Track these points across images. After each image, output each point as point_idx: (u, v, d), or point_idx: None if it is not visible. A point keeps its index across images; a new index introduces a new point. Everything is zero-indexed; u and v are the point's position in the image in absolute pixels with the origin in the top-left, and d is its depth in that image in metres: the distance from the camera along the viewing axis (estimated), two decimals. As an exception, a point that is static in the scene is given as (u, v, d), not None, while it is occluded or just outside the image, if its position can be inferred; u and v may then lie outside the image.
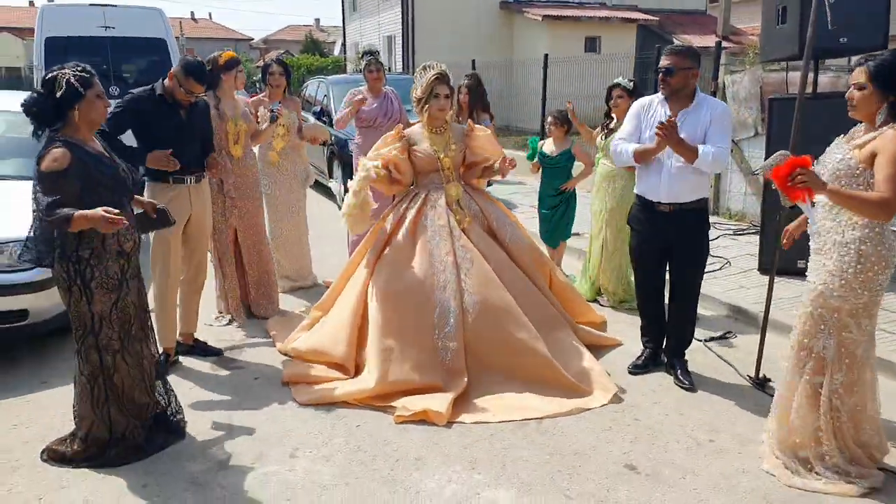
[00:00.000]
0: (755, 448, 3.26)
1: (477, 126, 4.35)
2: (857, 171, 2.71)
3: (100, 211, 2.57)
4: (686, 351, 4.07)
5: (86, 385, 3.00)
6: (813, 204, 2.78)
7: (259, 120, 4.93)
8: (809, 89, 4.97)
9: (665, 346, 4.10)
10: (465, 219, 4.08)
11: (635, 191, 3.99)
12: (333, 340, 4.02)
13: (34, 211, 2.80)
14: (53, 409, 3.46)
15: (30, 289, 3.85)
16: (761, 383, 3.95)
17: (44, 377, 3.89)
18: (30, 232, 2.86)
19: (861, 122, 2.88)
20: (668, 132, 3.42)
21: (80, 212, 2.62)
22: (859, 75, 2.75)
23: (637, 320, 4.54)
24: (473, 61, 14.40)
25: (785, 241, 3.30)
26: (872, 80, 2.71)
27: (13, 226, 3.74)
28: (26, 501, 2.80)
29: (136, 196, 3.27)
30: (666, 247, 3.90)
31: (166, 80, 3.90)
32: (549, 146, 5.42)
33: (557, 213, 5.47)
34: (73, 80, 2.79)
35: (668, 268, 4.04)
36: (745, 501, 2.88)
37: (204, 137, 4.15)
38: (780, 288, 4.11)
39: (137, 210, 3.26)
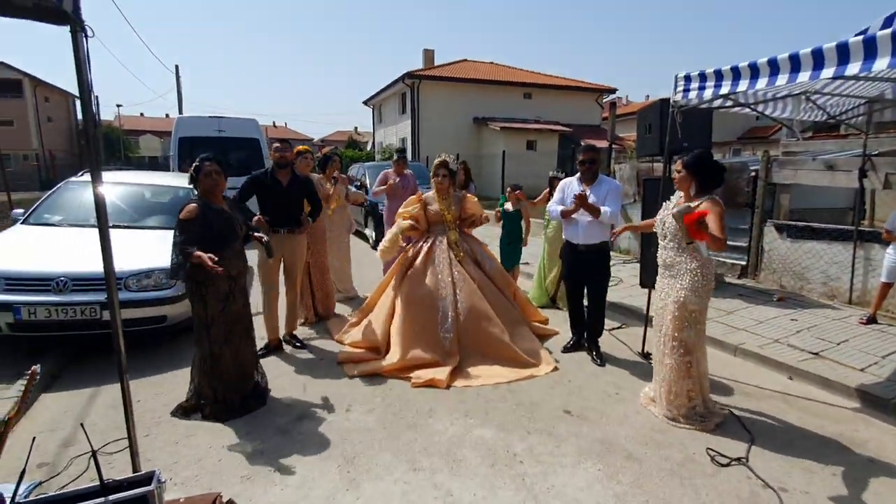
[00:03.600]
0: (640, 398, 3.26)
1: (468, 195, 4.35)
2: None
3: (207, 256, 2.63)
4: (599, 339, 4.02)
5: (199, 362, 2.97)
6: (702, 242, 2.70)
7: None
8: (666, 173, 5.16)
9: (585, 336, 4.06)
10: (460, 253, 4.06)
11: (563, 236, 3.98)
12: (374, 331, 3.95)
13: (173, 246, 2.83)
14: (182, 382, 3.34)
15: (168, 301, 3.79)
16: (645, 356, 3.99)
17: (175, 361, 3.78)
18: (172, 260, 2.87)
19: (679, 192, 3.00)
20: (581, 200, 3.50)
21: (198, 252, 2.67)
22: (679, 166, 2.92)
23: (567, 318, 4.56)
24: (458, 154, 14.48)
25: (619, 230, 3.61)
26: (686, 169, 2.87)
27: (159, 259, 3.74)
28: (166, 444, 2.72)
29: (255, 234, 3.23)
30: (583, 271, 3.90)
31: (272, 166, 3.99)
32: (508, 206, 5.32)
33: (510, 247, 5.38)
34: (193, 166, 2.98)
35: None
36: (638, 430, 2.90)
37: (301, 203, 4.02)
38: (653, 295, 4.18)
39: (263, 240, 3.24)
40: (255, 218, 3.50)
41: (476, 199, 4.37)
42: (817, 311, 4.93)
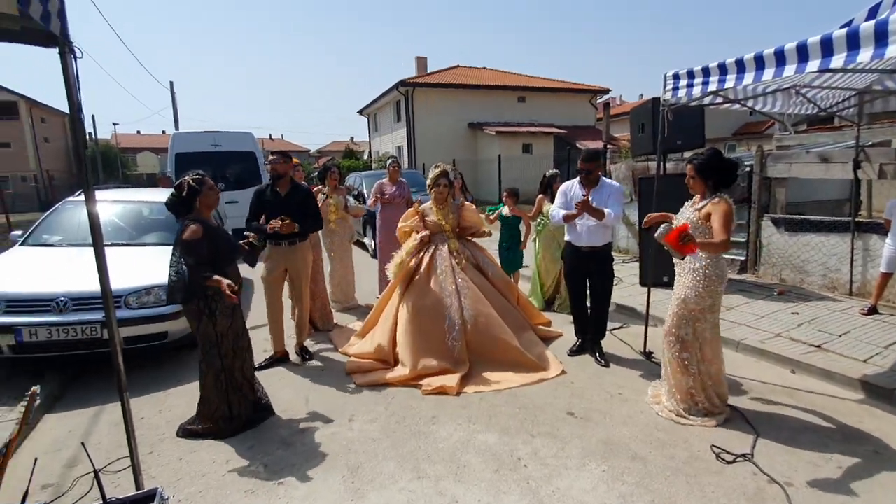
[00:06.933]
0: (647, 397, 3.27)
1: (466, 203, 4.35)
2: (699, 225, 2.83)
3: (226, 283, 2.64)
4: (602, 341, 4.02)
5: (213, 381, 2.90)
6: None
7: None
8: (661, 171, 5.17)
9: (588, 337, 4.04)
10: (462, 261, 4.05)
11: (566, 238, 3.96)
12: (381, 343, 3.91)
13: (171, 266, 2.78)
14: (186, 398, 3.36)
15: (169, 318, 3.78)
16: (647, 356, 3.98)
17: (178, 377, 3.78)
18: (169, 281, 2.80)
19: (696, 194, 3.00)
20: (584, 206, 3.51)
21: (218, 277, 2.68)
22: (690, 170, 2.94)
23: (569, 320, 4.55)
24: (454, 160, 14.54)
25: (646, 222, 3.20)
26: (697, 173, 2.90)
27: (158, 276, 3.71)
28: (170, 461, 2.71)
29: (242, 241, 3.15)
30: (586, 272, 3.91)
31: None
32: (506, 210, 5.33)
33: (510, 252, 5.40)
34: (192, 182, 2.85)
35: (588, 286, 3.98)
36: (642, 430, 2.89)
37: (301, 214, 3.88)
38: (653, 294, 4.18)
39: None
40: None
41: (474, 207, 4.37)
42: (818, 303, 4.93)
